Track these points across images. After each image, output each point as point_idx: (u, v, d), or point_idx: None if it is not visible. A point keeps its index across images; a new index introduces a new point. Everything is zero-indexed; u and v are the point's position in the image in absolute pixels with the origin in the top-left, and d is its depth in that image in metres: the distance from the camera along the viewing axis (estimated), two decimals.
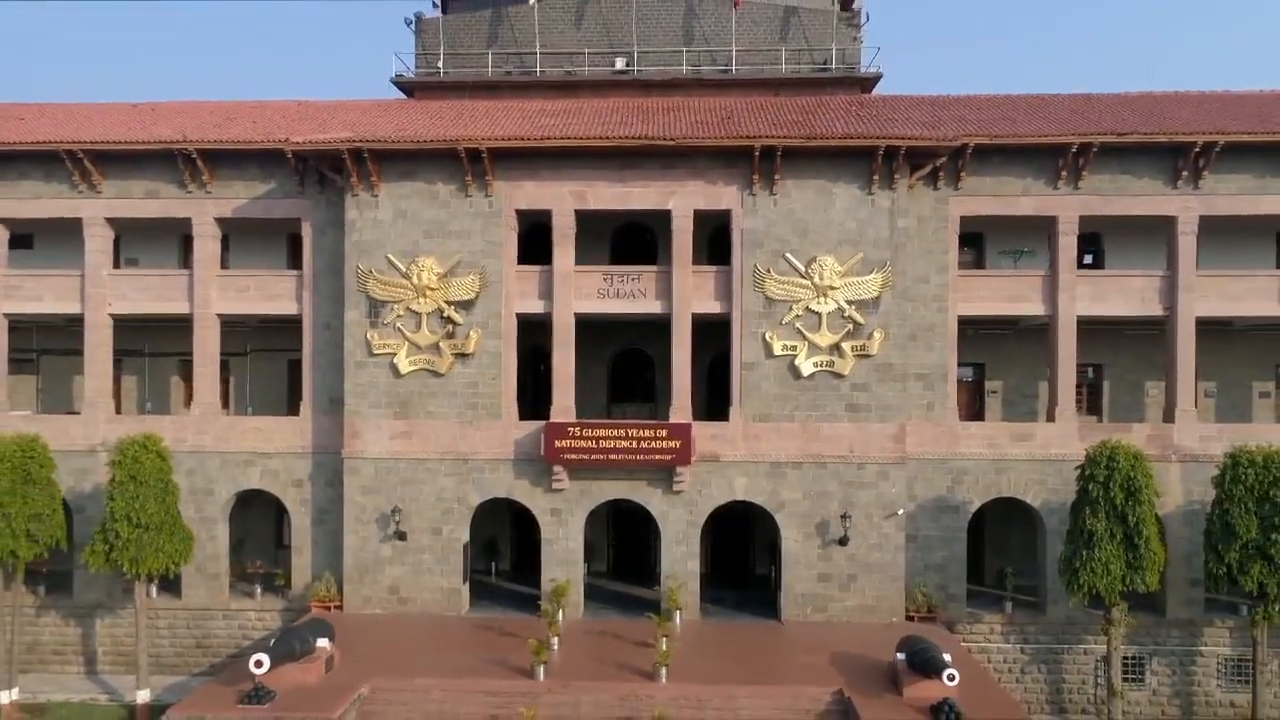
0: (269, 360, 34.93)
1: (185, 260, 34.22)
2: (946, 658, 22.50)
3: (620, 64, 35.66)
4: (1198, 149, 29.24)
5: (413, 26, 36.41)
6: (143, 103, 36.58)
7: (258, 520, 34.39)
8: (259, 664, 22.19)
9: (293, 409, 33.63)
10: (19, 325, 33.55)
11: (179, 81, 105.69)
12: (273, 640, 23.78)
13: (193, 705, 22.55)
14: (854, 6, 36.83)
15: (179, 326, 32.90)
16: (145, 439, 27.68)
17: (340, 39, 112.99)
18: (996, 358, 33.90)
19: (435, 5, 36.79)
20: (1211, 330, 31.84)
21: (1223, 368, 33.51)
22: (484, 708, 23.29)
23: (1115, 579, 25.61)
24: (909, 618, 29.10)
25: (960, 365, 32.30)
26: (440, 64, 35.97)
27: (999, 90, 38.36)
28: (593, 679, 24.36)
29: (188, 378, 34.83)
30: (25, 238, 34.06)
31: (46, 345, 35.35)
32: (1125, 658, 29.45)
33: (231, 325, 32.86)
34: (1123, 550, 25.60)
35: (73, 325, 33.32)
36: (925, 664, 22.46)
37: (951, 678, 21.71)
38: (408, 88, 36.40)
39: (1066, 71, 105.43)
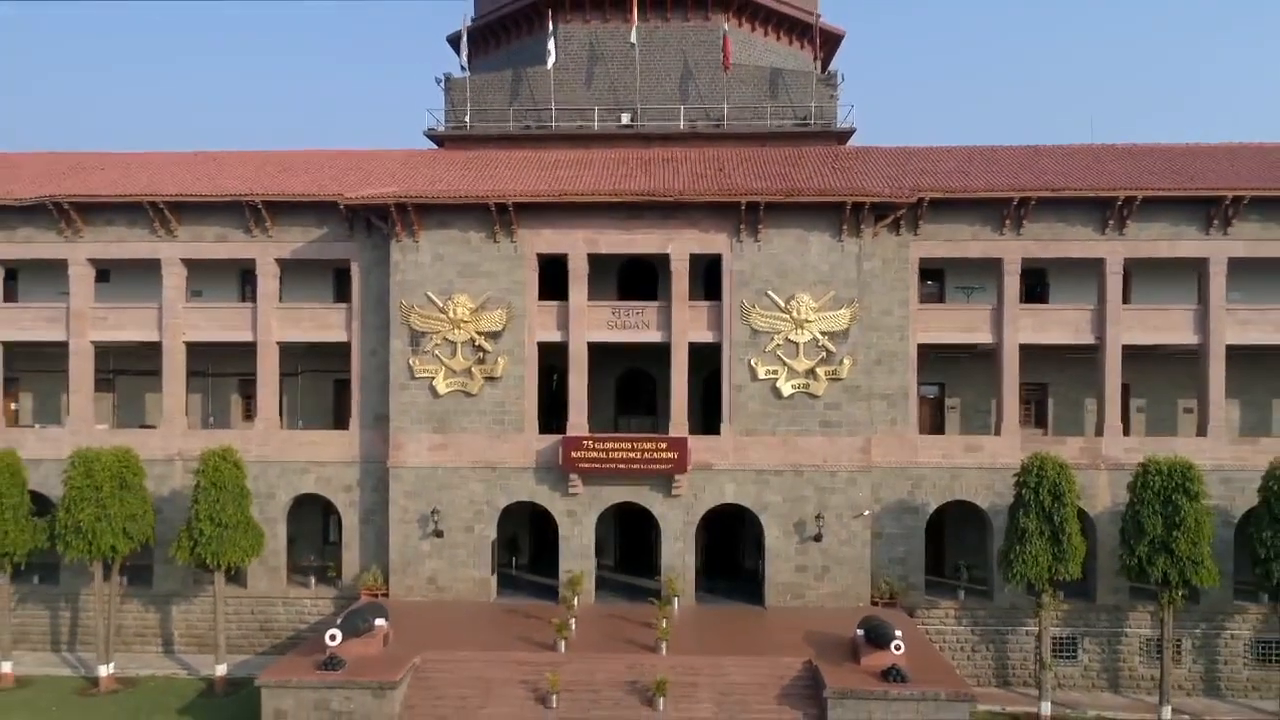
0: (317, 379, 39.82)
1: (243, 293, 39.18)
2: (896, 633, 27.39)
3: (626, 119, 40.53)
4: (1120, 202, 34.15)
5: (443, 85, 41.25)
6: (202, 152, 41.51)
7: (307, 520, 39.24)
8: (333, 638, 27.15)
9: (339, 423, 38.65)
10: (99, 350, 38.31)
11: (232, 125, 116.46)
12: (340, 619, 28.63)
13: (278, 672, 27.42)
14: (831, 69, 41.64)
15: (237, 350, 37.80)
16: (224, 451, 32.57)
17: (376, 87, 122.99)
18: (955, 378, 38.74)
19: (463, 68, 41.60)
20: (1144, 354, 36.76)
21: (1153, 386, 38.42)
22: (516, 674, 28.16)
23: (1043, 569, 30.46)
24: (874, 603, 33.95)
25: (923, 384, 37.37)
26: (467, 118, 40.86)
27: (958, 135, 43.14)
28: (605, 651, 29.28)
29: (245, 395, 39.94)
30: (103, 272, 38.88)
31: (121, 367, 40.20)
32: (1060, 638, 34.42)
33: (284, 349, 37.55)
34: (1049, 545, 30.45)
35: (144, 349, 38.23)
36: (878, 637, 27.37)
37: (898, 647, 26.66)
38: (438, 139, 41.28)
39: (1019, 115, 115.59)
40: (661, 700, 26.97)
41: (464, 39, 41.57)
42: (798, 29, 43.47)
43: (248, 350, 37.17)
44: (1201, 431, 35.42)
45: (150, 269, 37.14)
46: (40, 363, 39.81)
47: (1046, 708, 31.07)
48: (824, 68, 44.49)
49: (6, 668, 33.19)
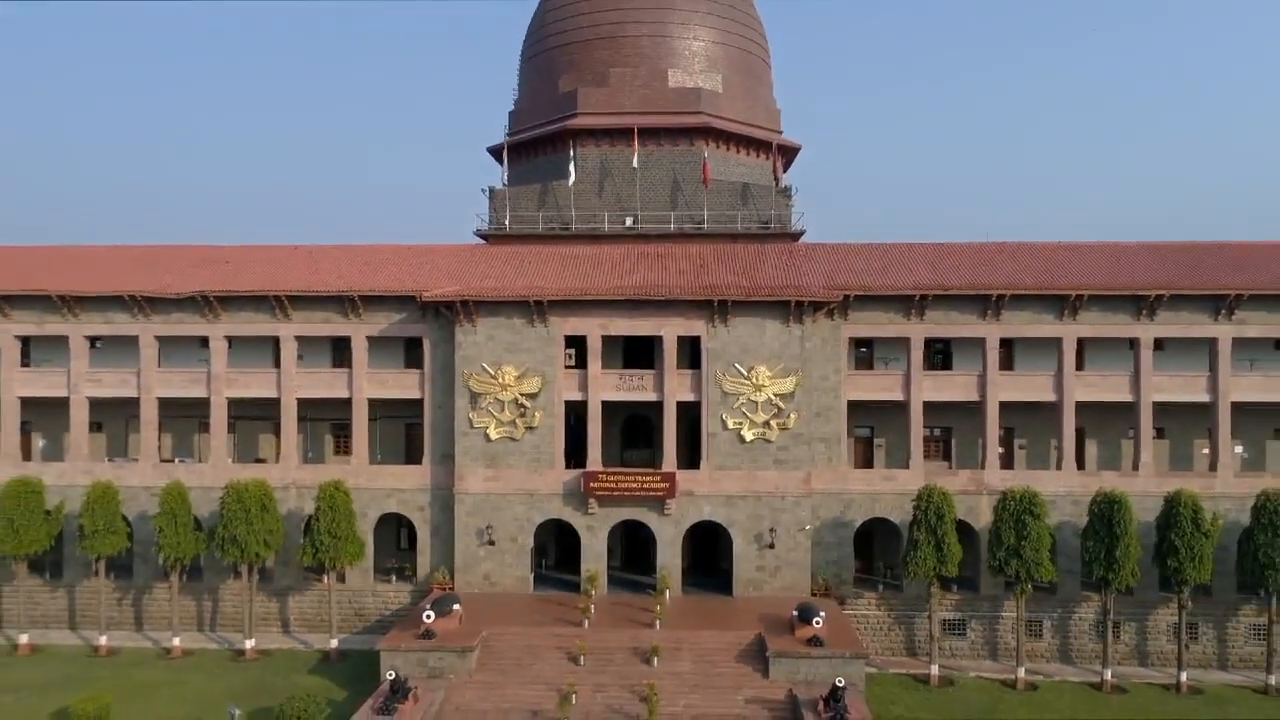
0: (391, 424, 51.70)
1: (333, 357, 51.00)
2: (820, 613, 39.31)
3: (629, 222, 52.49)
4: (995, 296, 46.13)
5: (487, 194, 53.28)
6: (301, 246, 53.40)
7: (386, 533, 51.08)
8: (428, 616, 39.06)
9: (409, 458, 50.56)
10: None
11: (328, 209, 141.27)
12: (430, 604, 40.52)
13: (390, 641, 39.35)
14: (787, 183, 53.58)
15: (330, 401, 49.61)
16: (336, 482, 44.51)
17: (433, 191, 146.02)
18: (883, 422, 50.54)
19: (503, 183, 53.59)
20: (1027, 405, 48.49)
21: (1033, 429, 50.22)
22: (554, 643, 40.11)
23: (929, 568, 42.35)
24: (813, 594, 45.85)
25: (858, 427, 49.37)
26: (506, 221, 52.82)
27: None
28: (616, 628, 41.26)
29: (335, 435, 51.82)
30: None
31: (239, 414, 52.04)
32: (952, 620, 46.40)
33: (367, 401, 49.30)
34: (934, 551, 42.35)
35: (259, 402, 50.04)
36: (807, 616, 39.31)
37: (818, 623, 38.62)
38: (484, 236, 53.27)
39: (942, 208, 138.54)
40: (656, 659, 38.90)
41: (505, 157, 53.66)
42: (764, 146, 55.46)
43: (338, 402, 49.08)
44: (1059, 466, 47.39)
45: (258, 340, 49.18)
46: (173, 409, 51.64)
47: (935, 669, 42.94)
48: (786, 168, 56.45)
49: (176, 641, 45.14)
